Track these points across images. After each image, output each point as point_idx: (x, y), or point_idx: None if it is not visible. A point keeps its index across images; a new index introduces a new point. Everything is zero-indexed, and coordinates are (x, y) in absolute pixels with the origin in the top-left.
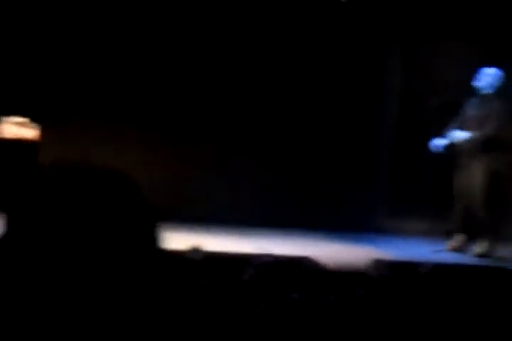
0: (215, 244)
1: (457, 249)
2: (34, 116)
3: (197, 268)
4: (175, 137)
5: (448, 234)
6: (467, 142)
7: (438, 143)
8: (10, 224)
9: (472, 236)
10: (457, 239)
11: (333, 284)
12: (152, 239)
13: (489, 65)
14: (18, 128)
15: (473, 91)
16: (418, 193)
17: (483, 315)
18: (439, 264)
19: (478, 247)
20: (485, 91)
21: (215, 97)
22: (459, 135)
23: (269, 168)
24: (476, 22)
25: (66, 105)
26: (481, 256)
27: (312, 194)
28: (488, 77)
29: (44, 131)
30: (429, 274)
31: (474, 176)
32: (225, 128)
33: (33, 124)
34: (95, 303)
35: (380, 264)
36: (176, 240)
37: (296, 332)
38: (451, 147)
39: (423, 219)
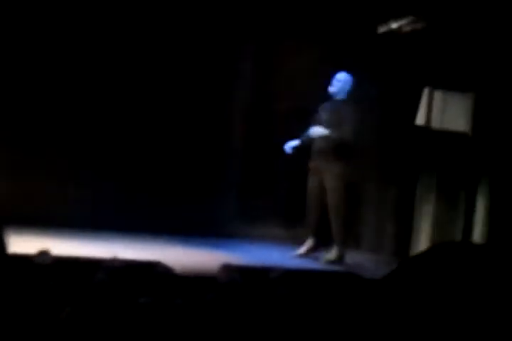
0: (65, 248)
1: (306, 255)
2: None
3: (46, 272)
4: (28, 140)
5: (300, 240)
6: (322, 138)
7: (291, 144)
8: None
9: (323, 242)
10: (307, 245)
11: (183, 288)
12: None
13: (342, 69)
14: None
15: (327, 96)
16: (271, 198)
17: (333, 321)
18: (290, 270)
19: (329, 253)
20: (337, 97)
21: (65, 102)
22: (316, 130)
23: (121, 173)
24: (330, 25)
25: None
26: (331, 262)
27: (163, 198)
28: (339, 83)
29: None
30: (280, 279)
31: (326, 182)
32: (80, 132)
33: None
34: None
35: (230, 269)
36: (23, 244)
37: (144, 337)
38: (304, 148)
39: (276, 225)
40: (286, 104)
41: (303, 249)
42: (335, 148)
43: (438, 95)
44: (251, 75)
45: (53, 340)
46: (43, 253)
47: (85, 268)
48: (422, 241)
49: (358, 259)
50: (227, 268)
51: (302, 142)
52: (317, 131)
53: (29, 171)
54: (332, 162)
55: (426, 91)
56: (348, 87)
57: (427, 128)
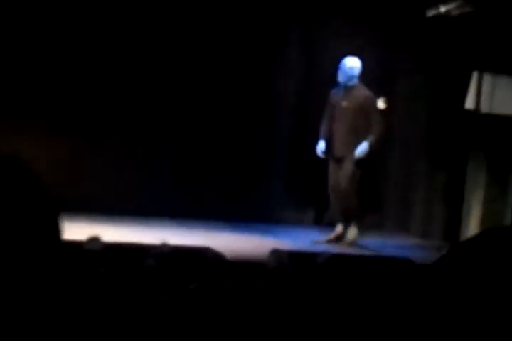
0: (115, 235)
1: (334, 240)
2: None
3: (96, 258)
4: (77, 125)
5: (331, 225)
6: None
7: (320, 147)
8: None
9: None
10: (335, 231)
11: (232, 274)
12: (53, 230)
13: (385, 52)
14: None
15: (337, 82)
16: (316, 183)
17: (381, 306)
18: (337, 254)
19: (348, 235)
20: (348, 83)
21: (121, 87)
22: (361, 150)
23: (169, 159)
24: (378, 9)
25: None
26: (351, 243)
27: (212, 184)
28: (347, 69)
29: None
30: (327, 264)
31: (344, 167)
32: (126, 118)
33: None
34: None
35: (279, 254)
36: (74, 230)
37: (193, 323)
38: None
39: (321, 210)
40: (332, 87)
41: (331, 236)
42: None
43: (487, 79)
44: (297, 60)
45: (103, 326)
46: (94, 240)
47: (135, 255)
48: (472, 226)
49: (408, 244)
50: (277, 254)
51: (326, 139)
52: (362, 151)
53: (80, 158)
54: (354, 149)
55: (475, 75)
56: (356, 72)
57: (476, 112)
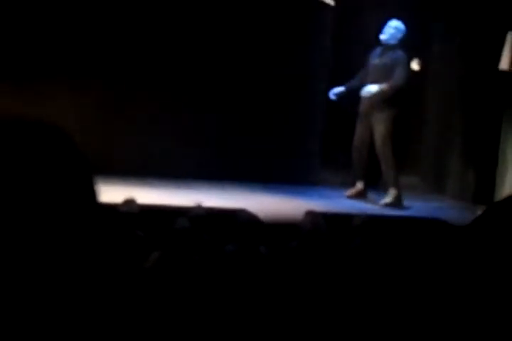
0: (150, 197)
1: (354, 197)
2: None
3: (133, 221)
4: (109, 88)
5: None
6: (377, 94)
7: (335, 90)
8: None
9: (370, 184)
10: (355, 188)
11: (267, 236)
12: (89, 193)
13: (420, 14)
14: None
15: (379, 43)
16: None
17: (417, 267)
18: (373, 216)
19: (386, 197)
20: (387, 43)
21: (148, 47)
22: (370, 89)
23: (203, 121)
24: None
25: None
26: (389, 205)
27: (246, 146)
28: (391, 30)
29: None
30: (362, 226)
31: (373, 126)
32: (159, 80)
33: None
34: (32, 262)
35: (313, 216)
36: (109, 193)
37: (228, 285)
38: (350, 96)
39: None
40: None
41: (350, 191)
42: (384, 97)
43: None
44: (332, 21)
45: (139, 288)
46: (129, 202)
47: (171, 217)
48: (507, 186)
49: (443, 205)
50: (311, 215)
51: (347, 89)
52: (369, 91)
53: (116, 120)
54: (380, 107)
55: (509, 36)
56: (399, 34)
57: (510, 73)
